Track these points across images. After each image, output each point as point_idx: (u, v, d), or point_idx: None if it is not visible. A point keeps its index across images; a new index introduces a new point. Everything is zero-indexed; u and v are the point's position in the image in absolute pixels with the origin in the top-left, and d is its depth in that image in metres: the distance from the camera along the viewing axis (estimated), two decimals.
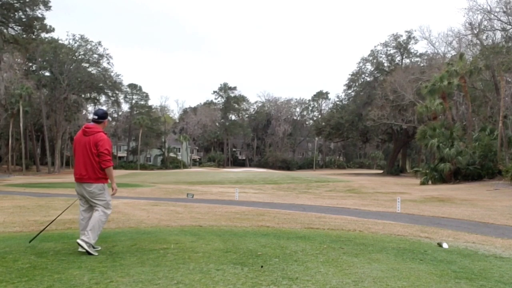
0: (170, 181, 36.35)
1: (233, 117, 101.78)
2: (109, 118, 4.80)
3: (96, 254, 4.60)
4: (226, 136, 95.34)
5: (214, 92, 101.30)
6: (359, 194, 25.22)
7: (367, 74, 66.09)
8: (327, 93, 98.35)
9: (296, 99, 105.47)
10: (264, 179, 40.62)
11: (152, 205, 12.98)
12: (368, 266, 4.30)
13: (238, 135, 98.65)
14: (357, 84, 67.15)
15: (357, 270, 4.09)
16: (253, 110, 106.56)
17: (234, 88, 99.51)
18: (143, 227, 7.37)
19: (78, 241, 4.64)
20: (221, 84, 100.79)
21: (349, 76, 67.71)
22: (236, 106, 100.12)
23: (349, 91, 69.31)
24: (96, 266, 4.04)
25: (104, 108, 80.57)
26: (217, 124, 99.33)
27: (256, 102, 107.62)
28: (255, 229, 7.41)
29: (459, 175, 31.77)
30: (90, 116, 79.29)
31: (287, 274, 3.85)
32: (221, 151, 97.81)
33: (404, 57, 62.29)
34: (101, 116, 5.09)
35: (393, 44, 61.67)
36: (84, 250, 4.59)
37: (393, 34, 61.08)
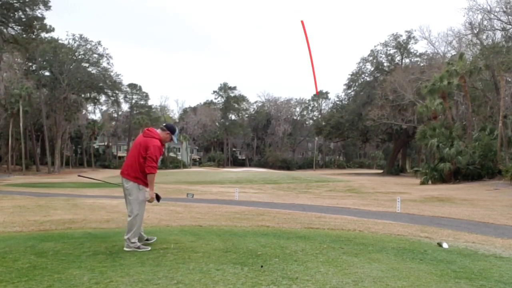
0: (170, 181, 36.35)
1: (233, 117, 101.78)
2: (174, 139, 4.84)
3: (149, 248, 4.86)
4: (226, 136, 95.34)
5: (214, 92, 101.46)
6: (359, 194, 25.22)
7: (367, 74, 66.12)
8: (327, 93, 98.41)
9: (296, 99, 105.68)
10: (264, 179, 40.62)
11: (152, 205, 12.89)
12: (368, 266, 4.30)
13: (238, 135, 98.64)
14: (357, 84, 67.16)
15: (357, 270, 4.09)
16: (253, 110, 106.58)
17: (234, 88, 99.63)
18: (143, 227, 7.35)
19: (125, 248, 4.89)
20: (221, 84, 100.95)
21: (349, 76, 67.78)
22: (236, 106, 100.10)
23: (349, 91, 69.34)
24: (96, 266, 4.04)
25: (104, 106, 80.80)
26: (217, 124, 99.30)
27: (256, 102, 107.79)
28: (255, 229, 7.41)
29: (459, 175, 31.77)
30: (90, 116, 79.63)
31: (287, 274, 3.85)
32: (221, 151, 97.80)
33: (404, 57, 62.28)
34: (167, 126, 5.19)
35: (393, 44, 61.67)
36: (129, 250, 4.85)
37: (393, 34, 61.19)
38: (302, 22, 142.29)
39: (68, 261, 4.25)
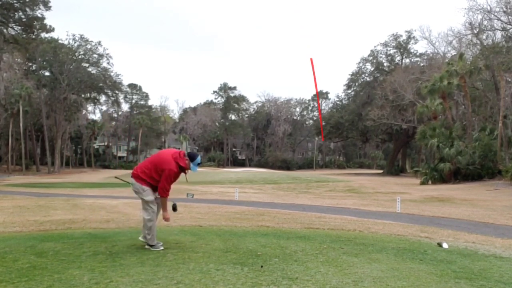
0: None
1: (233, 117, 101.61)
2: (192, 168, 4.83)
3: (162, 248, 4.94)
4: (226, 136, 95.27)
5: (214, 92, 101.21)
6: (359, 194, 25.22)
7: (367, 74, 66.03)
8: (327, 93, 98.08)
9: (296, 99, 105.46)
10: (264, 179, 40.61)
11: None
12: (368, 266, 4.30)
13: (238, 135, 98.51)
14: (357, 84, 67.08)
15: (357, 270, 4.09)
16: (253, 110, 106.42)
17: (234, 88, 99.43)
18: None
19: (140, 238, 5.21)
20: (221, 84, 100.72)
21: (349, 76, 67.66)
22: (236, 106, 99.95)
23: (349, 91, 69.24)
24: (96, 266, 4.04)
25: (104, 107, 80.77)
26: (217, 124, 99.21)
27: (256, 102, 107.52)
28: (255, 229, 7.41)
29: (459, 175, 31.76)
30: (90, 116, 79.65)
31: (287, 274, 3.85)
32: (221, 151, 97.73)
33: (404, 57, 62.23)
34: (189, 154, 5.25)
35: (393, 44, 61.62)
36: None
37: (393, 34, 61.10)
38: (311, 60, 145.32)
39: (68, 261, 4.25)
